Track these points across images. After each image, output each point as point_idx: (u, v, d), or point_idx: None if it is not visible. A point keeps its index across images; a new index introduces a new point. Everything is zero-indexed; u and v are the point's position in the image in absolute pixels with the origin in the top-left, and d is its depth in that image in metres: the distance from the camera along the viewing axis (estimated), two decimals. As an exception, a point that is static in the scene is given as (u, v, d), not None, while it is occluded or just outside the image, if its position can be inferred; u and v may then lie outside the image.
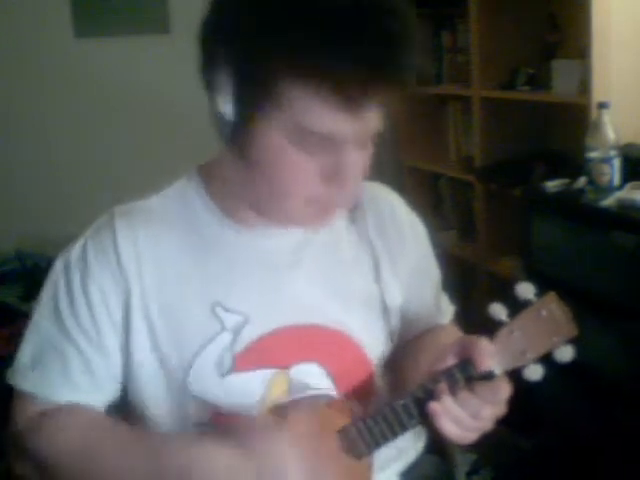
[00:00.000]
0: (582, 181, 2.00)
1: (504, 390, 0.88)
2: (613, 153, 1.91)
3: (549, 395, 2.03)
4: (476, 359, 0.86)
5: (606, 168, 1.91)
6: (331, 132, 0.82)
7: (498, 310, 0.88)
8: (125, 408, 1.00)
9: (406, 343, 1.09)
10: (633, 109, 2.13)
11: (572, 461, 1.97)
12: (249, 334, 0.96)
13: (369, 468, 0.94)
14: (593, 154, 1.92)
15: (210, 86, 0.86)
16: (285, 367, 0.97)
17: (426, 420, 0.89)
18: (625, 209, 1.82)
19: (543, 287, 0.88)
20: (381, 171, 3.32)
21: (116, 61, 2.87)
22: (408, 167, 3.22)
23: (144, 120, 2.91)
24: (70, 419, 0.93)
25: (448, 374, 0.88)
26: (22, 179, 2.85)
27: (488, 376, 0.87)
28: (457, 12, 2.78)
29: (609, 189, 1.91)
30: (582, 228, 1.92)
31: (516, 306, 0.89)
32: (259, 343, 0.96)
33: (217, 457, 0.83)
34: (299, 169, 0.85)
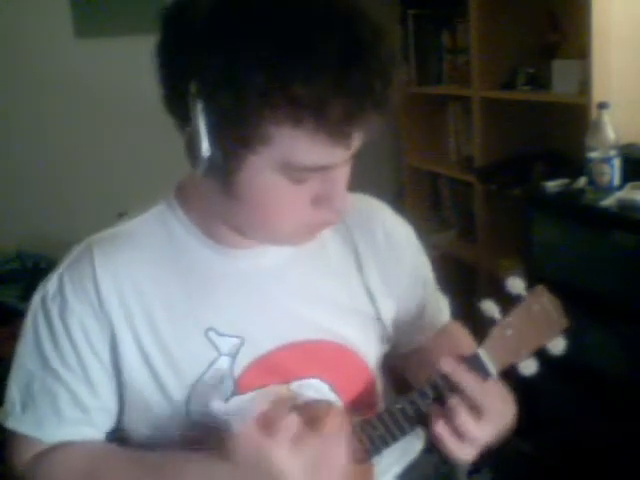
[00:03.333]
0: (582, 181, 2.00)
1: (497, 391, 0.88)
2: (613, 153, 1.91)
3: (550, 396, 2.03)
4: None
5: (606, 168, 1.91)
6: (324, 165, 0.80)
7: (490, 307, 0.88)
8: (121, 437, 0.99)
9: (419, 350, 1.09)
10: (633, 109, 2.12)
11: (573, 463, 1.97)
12: (247, 356, 0.94)
13: (370, 471, 0.94)
14: (593, 154, 1.92)
15: (178, 116, 0.82)
16: (287, 384, 0.96)
17: (425, 422, 0.89)
18: (625, 209, 1.82)
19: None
20: (381, 171, 3.29)
21: (116, 61, 2.87)
22: (408, 167, 3.22)
23: (144, 120, 2.91)
24: (67, 454, 0.92)
25: (441, 376, 0.88)
26: (22, 179, 2.85)
27: (486, 374, 0.87)
28: (457, 12, 2.77)
29: (609, 189, 1.91)
30: (582, 228, 1.92)
31: (507, 301, 0.88)
32: (258, 364, 0.94)
33: (218, 472, 0.82)
34: (288, 199, 0.83)
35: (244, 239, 0.93)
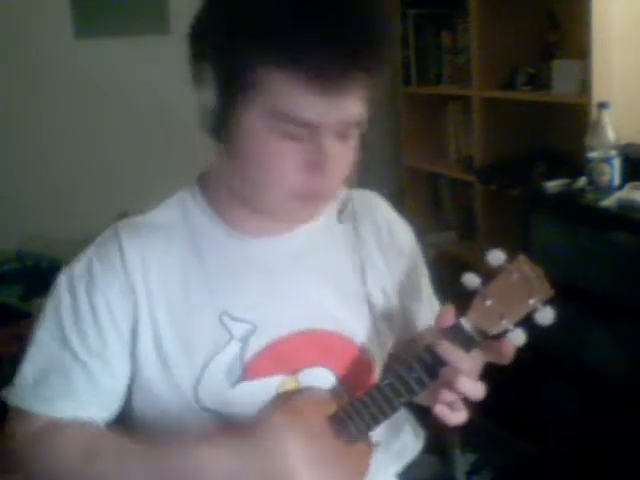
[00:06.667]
0: (582, 181, 2.00)
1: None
2: (613, 153, 1.91)
3: (550, 396, 2.03)
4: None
5: (606, 168, 1.91)
6: (309, 118, 0.83)
7: (471, 279, 0.87)
8: (127, 423, 0.99)
9: (407, 343, 1.09)
10: (633, 109, 2.13)
11: (573, 463, 1.97)
12: (257, 342, 0.95)
13: (366, 451, 0.94)
14: (593, 154, 1.92)
15: (196, 79, 0.89)
16: (294, 373, 0.97)
17: (414, 396, 0.89)
18: (625, 209, 1.82)
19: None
20: (381, 171, 3.29)
21: (116, 61, 2.87)
22: (408, 167, 3.22)
23: (144, 120, 2.91)
24: (70, 432, 0.92)
25: (426, 349, 0.88)
26: (22, 179, 2.85)
27: (471, 342, 0.87)
28: (457, 12, 2.78)
29: (609, 189, 1.91)
30: (582, 228, 1.92)
31: (490, 276, 0.88)
32: (267, 350, 0.96)
33: (217, 460, 0.83)
34: (279, 156, 0.86)
35: (261, 225, 0.97)
